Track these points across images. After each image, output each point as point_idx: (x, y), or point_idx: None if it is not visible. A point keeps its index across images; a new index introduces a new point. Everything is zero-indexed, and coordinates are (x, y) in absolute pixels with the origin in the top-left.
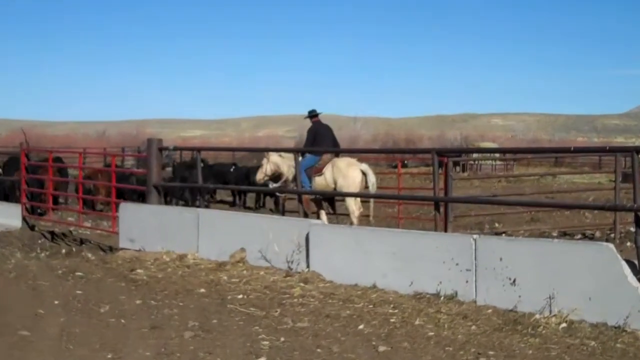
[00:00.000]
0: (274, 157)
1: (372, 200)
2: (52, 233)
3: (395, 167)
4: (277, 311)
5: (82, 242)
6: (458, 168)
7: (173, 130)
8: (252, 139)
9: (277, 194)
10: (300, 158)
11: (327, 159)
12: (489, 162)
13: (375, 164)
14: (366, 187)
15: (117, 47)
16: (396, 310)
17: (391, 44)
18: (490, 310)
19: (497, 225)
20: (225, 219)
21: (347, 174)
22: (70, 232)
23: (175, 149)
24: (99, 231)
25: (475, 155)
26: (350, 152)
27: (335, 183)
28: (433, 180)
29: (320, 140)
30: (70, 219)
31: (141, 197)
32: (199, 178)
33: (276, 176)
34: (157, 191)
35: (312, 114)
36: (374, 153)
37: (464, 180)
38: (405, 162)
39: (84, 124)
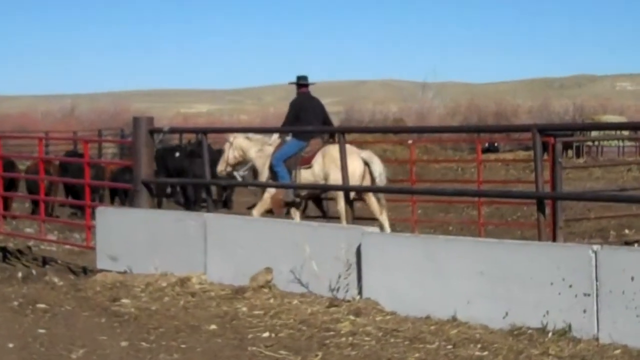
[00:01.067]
0: (238, 139)
1: (381, 196)
2: (4, 250)
3: (484, 151)
4: (317, 355)
5: (45, 261)
6: (570, 152)
7: (169, 105)
8: (279, 115)
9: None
10: (270, 146)
11: (318, 146)
12: (614, 142)
13: (454, 149)
14: (372, 181)
15: None
16: (485, 352)
17: None
18: (618, 351)
19: (627, 231)
20: (243, 228)
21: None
22: (29, 248)
23: (173, 130)
24: (68, 246)
25: (594, 133)
26: (419, 130)
27: (326, 179)
28: (535, 170)
29: (305, 119)
30: (28, 230)
31: (114, 198)
32: (205, 170)
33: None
34: (149, 190)
35: (301, 82)
36: (450, 132)
37: (578, 168)
38: (495, 144)
39: (45, 98)
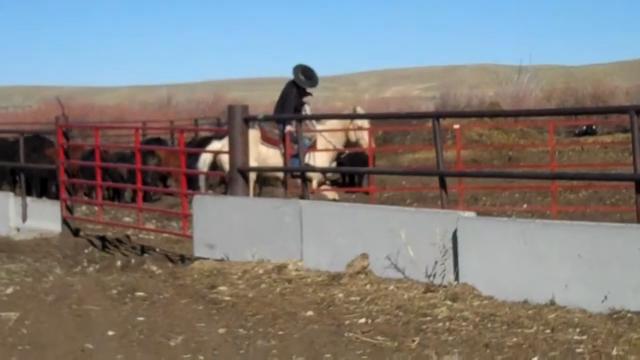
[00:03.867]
0: None
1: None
2: (103, 239)
3: (581, 134)
4: (414, 340)
5: (143, 250)
6: None
7: (266, 93)
8: (375, 101)
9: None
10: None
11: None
12: None
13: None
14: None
15: None
16: (584, 337)
17: None
18: None
19: None
20: (338, 215)
21: None
22: (128, 237)
23: (267, 118)
24: (165, 235)
25: None
26: (514, 114)
27: None
28: (633, 152)
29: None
30: (126, 219)
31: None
32: (301, 157)
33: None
34: (244, 178)
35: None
36: (546, 115)
37: None
38: (593, 126)
39: (142, 89)
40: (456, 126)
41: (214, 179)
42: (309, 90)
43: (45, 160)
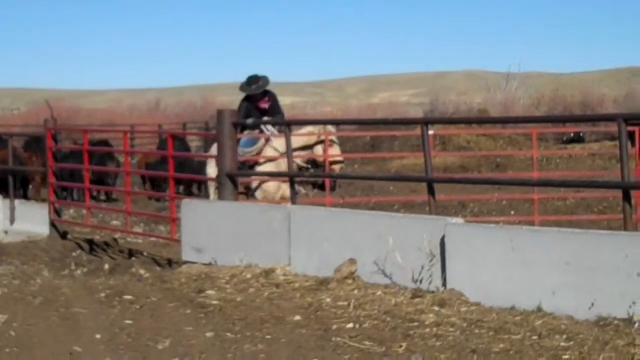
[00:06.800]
0: None
1: None
2: (91, 242)
3: (569, 141)
4: (402, 346)
5: (131, 254)
6: None
7: None
8: (362, 107)
9: None
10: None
11: None
12: None
13: (539, 139)
14: None
15: None
16: (571, 343)
17: None
18: None
19: None
20: (327, 220)
21: None
22: (116, 240)
23: (255, 123)
24: (153, 239)
25: None
26: (503, 121)
27: None
28: (620, 159)
29: None
30: (114, 222)
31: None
32: (289, 163)
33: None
34: (233, 183)
35: None
36: (534, 122)
37: None
38: (581, 134)
39: (130, 93)
40: (431, 132)
41: None
42: (251, 93)
43: None
